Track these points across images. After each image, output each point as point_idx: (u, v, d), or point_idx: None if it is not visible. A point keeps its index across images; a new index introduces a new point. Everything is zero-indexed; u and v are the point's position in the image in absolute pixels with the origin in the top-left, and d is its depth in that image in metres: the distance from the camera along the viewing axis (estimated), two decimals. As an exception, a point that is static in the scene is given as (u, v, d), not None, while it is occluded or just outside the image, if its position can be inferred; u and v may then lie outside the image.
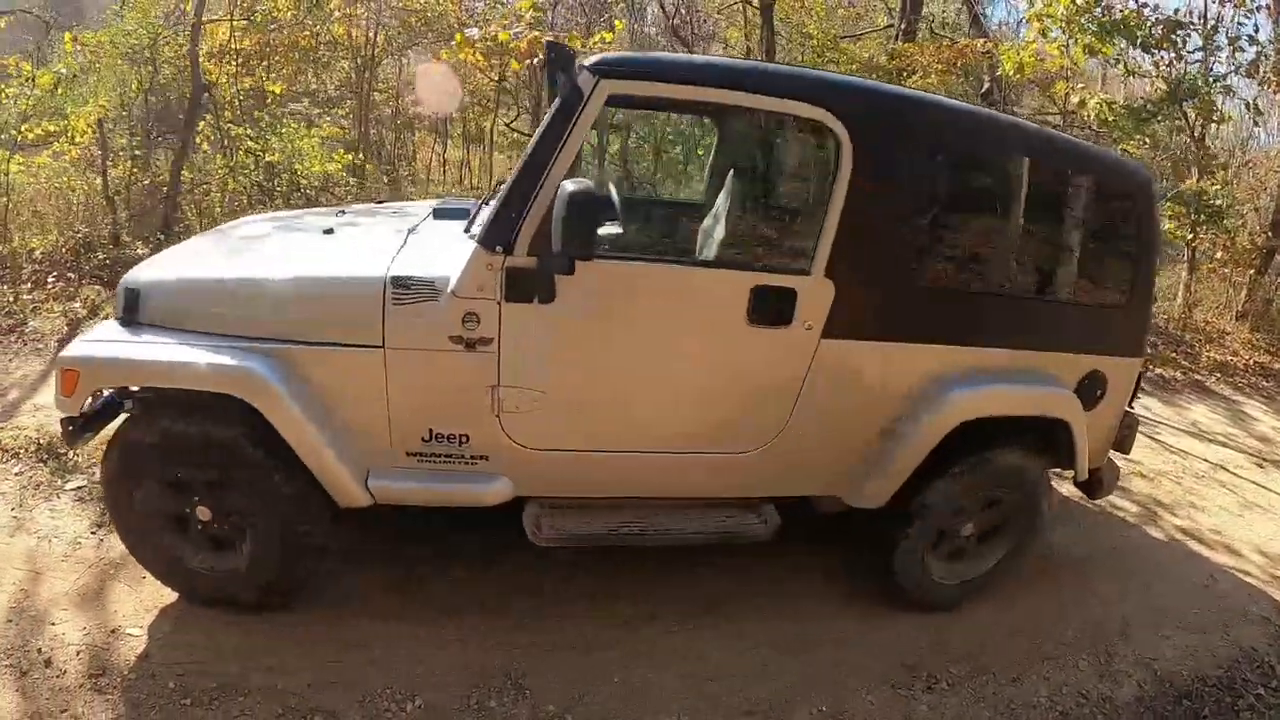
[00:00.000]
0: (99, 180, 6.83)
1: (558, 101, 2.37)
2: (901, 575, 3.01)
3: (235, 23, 8.17)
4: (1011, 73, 8.35)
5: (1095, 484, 3.38)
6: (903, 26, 10.81)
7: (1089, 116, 8.16)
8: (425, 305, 2.26)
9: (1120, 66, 8.55)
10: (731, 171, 3.19)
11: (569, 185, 2.10)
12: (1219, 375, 6.99)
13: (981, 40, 9.31)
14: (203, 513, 2.44)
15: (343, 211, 3.54)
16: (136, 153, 7.40)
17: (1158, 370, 6.78)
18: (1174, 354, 7.41)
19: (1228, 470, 5.08)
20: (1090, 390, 3.11)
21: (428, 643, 2.53)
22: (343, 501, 2.39)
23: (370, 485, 2.39)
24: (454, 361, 2.31)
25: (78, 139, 6.72)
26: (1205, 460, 5.17)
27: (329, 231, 2.86)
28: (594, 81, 2.29)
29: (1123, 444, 3.40)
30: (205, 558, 2.50)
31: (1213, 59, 8.22)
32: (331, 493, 2.37)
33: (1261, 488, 4.88)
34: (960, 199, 2.93)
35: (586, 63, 2.34)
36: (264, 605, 2.55)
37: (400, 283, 2.27)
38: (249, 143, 7.68)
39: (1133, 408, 3.45)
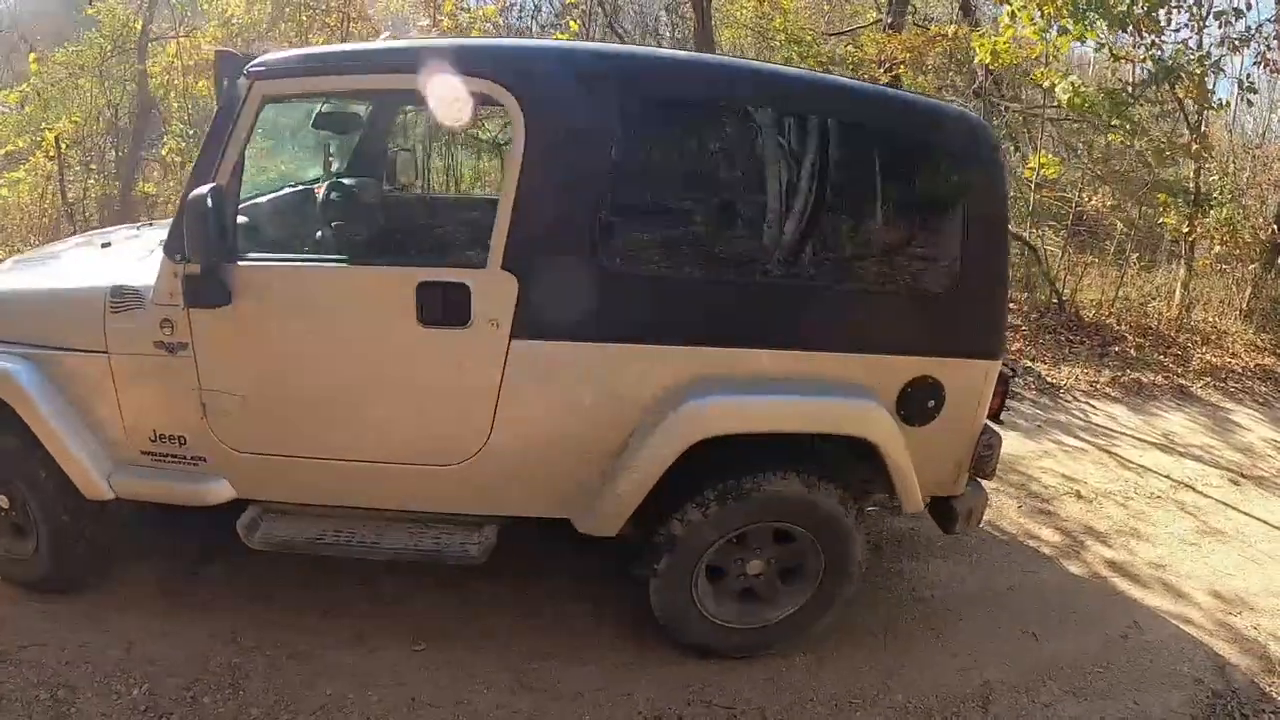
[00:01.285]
0: (58, 195, 6.84)
1: (219, 108, 2.33)
2: (663, 615, 2.47)
3: (181, 40, 8.00)
4: (988, 61, 7.58)
5: (949, 515, 2.64)
6: (888, 21, 10.13)
7: (1060, 102, 7.32)
8: (136, 313, 2.28)
9: (1104, 50, 7.72)
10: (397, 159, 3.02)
11: (196, 191, 2.05)
12: (1210, 380, 6.02)
13: (955, 27, 8.55)
14: (2, 500, 2.52)
15: (150, 223, 3.48)
16: (92, 167, 7.39)
17: (1133, 375, 5.88)
18: (1161, 357, 6.47)
19: (1194, 489, 4.19)
20: (918, 401, 2.41)
21: (173, 636, 2.50)
22: (88, 494, 2.39)
23: (111, 480, 2.39)
24: (161, 365, 2.29)
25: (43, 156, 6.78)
26: (1168, 478, 4.29)
27: (107, 245, 2.83)
28: (248, 85, 2.21)
29: (981, 466, 2.61)
30: (6, 542, 2.58)
31: (1202, 35, 7.30)
32: (77, 485, 2.38)
33: (1230, 509, 3.99)
34: (676, 167, 2.40)
35: (247, 68, 2.25)
36: (50, 589, 2.61)
37: (117, 292, 2.30)
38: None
39: (1000, 421, 2.70)
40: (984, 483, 2.73)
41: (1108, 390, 5.62)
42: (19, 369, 2.30)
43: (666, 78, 2.33)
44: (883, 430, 2.32)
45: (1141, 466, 4.39)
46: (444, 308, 2.18)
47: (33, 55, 7.19)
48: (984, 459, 2.58)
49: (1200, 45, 7.34)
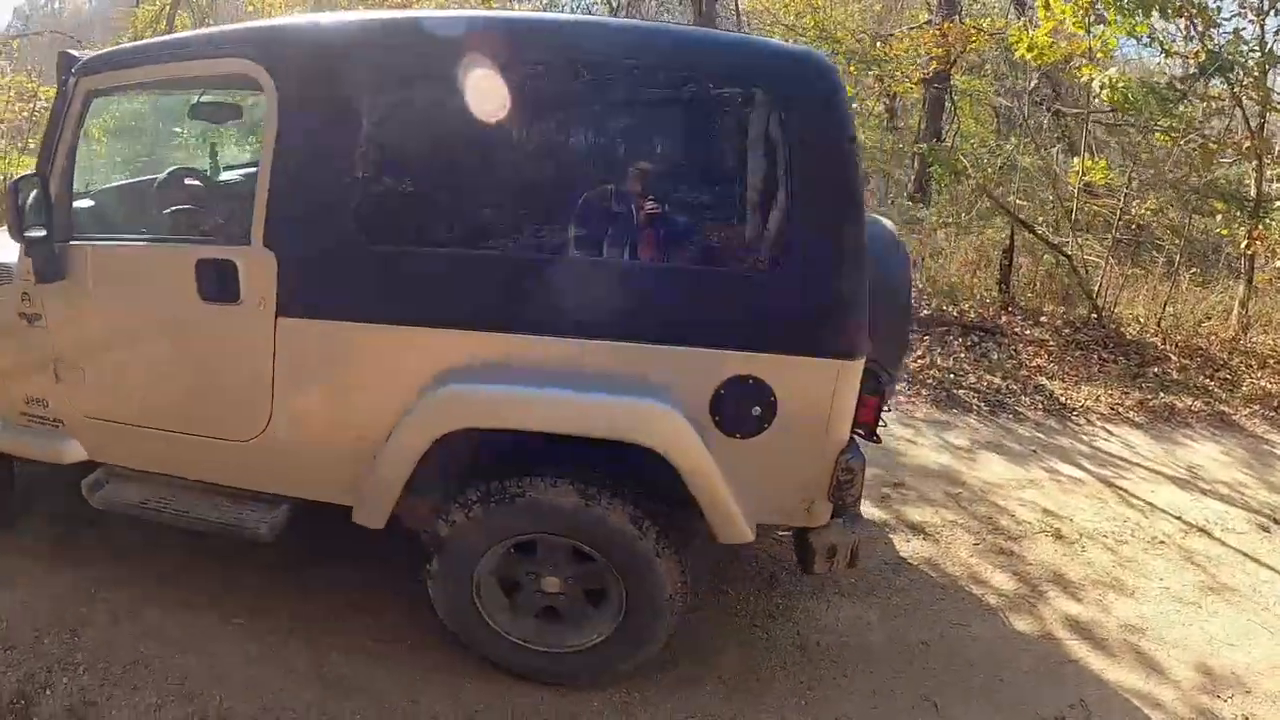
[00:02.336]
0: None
1: (55, 103, 2.37)
2: (447, 620, 2.26)
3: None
4: (1027, 57, 6.84)
5: (806, 552, 2.11)
6: (938, 20, 9.46)
7: (1101, 98, 6.50)
8: (5, 287, 2.40)
9: (1154, 44, 6.84)
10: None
11: (16, 178, 2.21)
12: (1259, 408, 5.07)
13: (990, 20, 7.81)
14: None
15: None
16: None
17: (1166, 399, 5.02)
18: (1206, 380, 5.55)
19: (1210, 534, 3.41)
20: (737, 406, 1.93)
21: (45, 586, 2.57)
22: None
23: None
24: (24, 334, 2.40)
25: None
26: (1179, 519, 3.52)
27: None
28: (75, 82, 2.28)
29: (840, 495, 2.04)
30: None
31: (1263, 26, 6.33)
32: None
33: (1251, 561, 3.19)
34: (429, 140, 2.16)
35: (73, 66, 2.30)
36: None
37: None
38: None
39: (876, 439, 2.13)
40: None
41: (1131, 415, 4.80)
42: None
43: (414, 43, 2.06)
44: (669, 437, 1.88)
45: (1149, 504, 3.63)
46: (218, 284, 2.14)
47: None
48: (843, 485, 2.01)
49: (1261, 38, 6.41)
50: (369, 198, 2.11)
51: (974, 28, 7.47)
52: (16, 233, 2.17)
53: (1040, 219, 8.52)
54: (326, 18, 2.18)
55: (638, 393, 1.93)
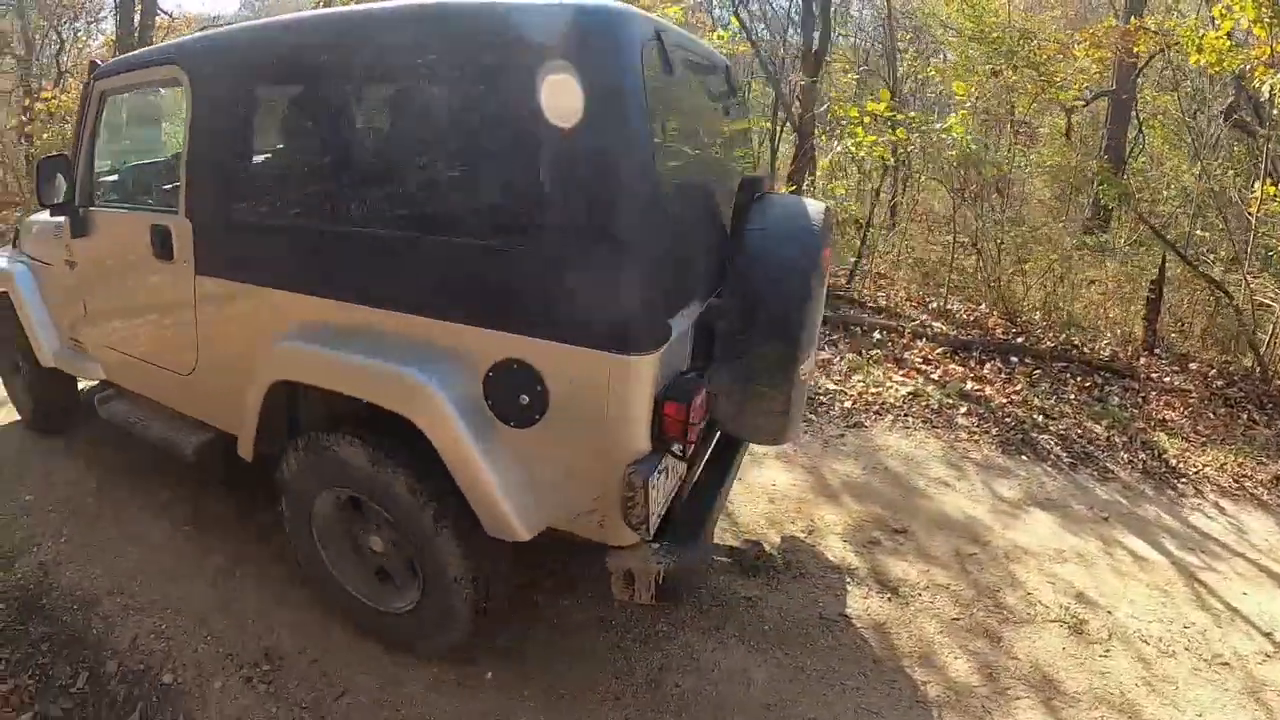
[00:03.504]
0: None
1: (80, 100, 2.95)
2: (302, 564, 2.39)
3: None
4: (1200, 62, 5.57)
5: (620, 576, 1.85)
6: (1124, 23, 8.09)
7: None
8: (60, 240, 2.92)
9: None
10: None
11: (41, 159, 2.79)
12: None
13: (1162, 19, 6.44)
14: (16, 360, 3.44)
15: None
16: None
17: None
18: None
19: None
20: (505, 391, 1.71)
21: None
22: (41, 362, 3.14)
23: (53, 354, 3.10)
24: (69, 277, 2.96)
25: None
26: (1267, 636, 2.57)
27: None
28: (92, 84, 2.81)
29: (628, 513, 1.66)
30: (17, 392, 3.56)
31: None
32: (36, 355, 3.14)
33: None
34: (262, 124, 2.36)
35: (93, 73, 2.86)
36: (37, 427, 3.53)
37: (59, 226, 2.90)
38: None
39: (683, 457, 1.75)
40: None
41: (1259, 491, 3.68)
42: (21, 272, 3.19)
43: (265, 45, 2.28)
44: (425, 411, 1.80)
45: (1232, 610, 2.71)
46: (161, 245, 2.44)
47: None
48: (630, 501, 1.66)
49: None
50: (240, 177, 2.30)
51: (1140, 27, 6.16)
52: (39, 200, 2.78)
53: (1221, 253, 6.97)
54: (228, 28, 2.44)
55: (413, 364, 1.83)
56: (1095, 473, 3.77)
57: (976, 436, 3.97)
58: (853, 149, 5.26)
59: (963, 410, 4.24)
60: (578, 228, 1.66)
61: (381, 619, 2.23)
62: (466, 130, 1.83)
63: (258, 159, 2.33)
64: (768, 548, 2.88)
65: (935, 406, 4.28)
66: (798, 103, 6.31)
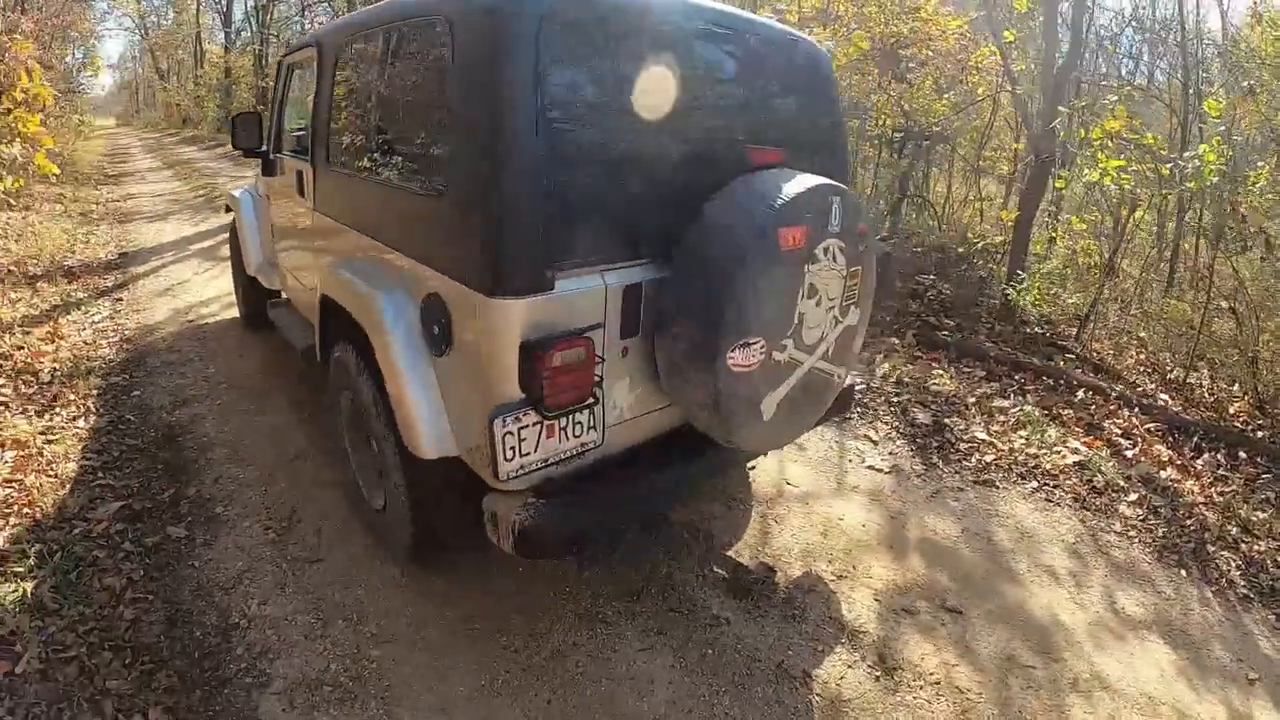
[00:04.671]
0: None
1: (275, 73, 3.74)
2: (345, 437, 2.74)
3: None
4: None
5: (489, 518, 1.89)
6: None
7: None
8: (264, 179, 3.77)
9: None
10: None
11: (237, 113, 3.58)
12: None
13: None
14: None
15: None
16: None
17: None
18: None
19: None
20: (430, 323, 1.96)
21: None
22: (248, 272, 4.01)
23: (257, 269, 3.95)
24: (265, 207, 3.89)
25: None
26: None
27: None
28: (282, 60, 3.61)
29: (495, 464, 1.72)
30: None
31: None
32: (245, 265, 4.06)
33: None
34: (336, 94, 2.75)
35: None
36: (248, 325, 4.62)
37: (265, 168, 3.72)
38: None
39: (544, 414, 1.74)
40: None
41: None
42: (245, 198, 4.11)
43: (339, 31, 2.79)
44: (374, 325, 2.08)
45: None
46: (300, 186, 3.07)
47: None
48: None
49: None
50: (324, 134, 2.75)
51: None
52: (232, 144, 3.50)
53: None
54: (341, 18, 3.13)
55: (380, 289, 2.12)
56: (1276, 616, 2.73)
57: (1134, 532, 3.10)
58: (1095, 176, 4.29)
59: (1133, 497, 3.32)
60: (468, 183, 1.76)
61: (371, 512, 2.57)
62: (415, 99, 2.15)
63: (334, 122, 2.74)
64: (779, 577, 2.68)
65: (1100, 485, 3.43)
66: (1038, 122, 5.28)
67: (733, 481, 3.29)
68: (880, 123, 6.57)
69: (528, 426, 1.79)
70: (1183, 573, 2.88)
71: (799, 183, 1.89)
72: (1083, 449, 3.72)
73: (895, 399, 4.28)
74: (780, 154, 2.09)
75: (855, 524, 3.05)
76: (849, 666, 2.26)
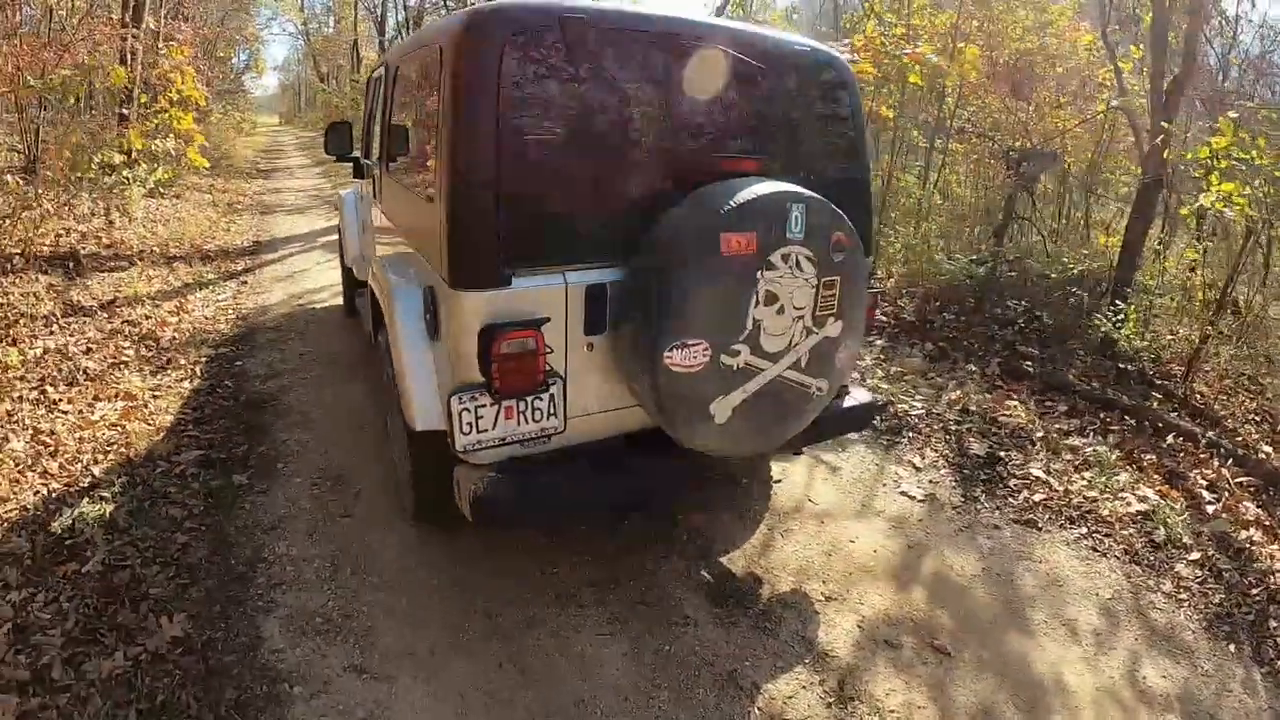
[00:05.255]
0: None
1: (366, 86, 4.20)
2: (391, 440, 3.18)
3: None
4: None
5: (456, 486, 2.13)
6: None
7: None
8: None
9: None
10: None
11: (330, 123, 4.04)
12: None
13: None
14: None
15: None
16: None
17: None
18: None
19: None
20: (426, 310, 2.24)
21: None
22: (346, 262, 4.60)
23: (350, 259, 4.45)
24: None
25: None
26: None
27: None
28: (370, 76, 4.03)
29: (453, 437, 1.98)
30: None
31: None
32: (344, 255, 4.67)
33: None
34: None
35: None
36: None
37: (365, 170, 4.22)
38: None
39: (495, 397, 1.96)
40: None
41: None
42: (349, 196, 4.61)
43: (392, 53, 3.38)
44: (389, 309, 2.34)
45: None
46: (375, 188, 3.48)
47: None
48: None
49: None
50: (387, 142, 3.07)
51: None
52: (325, 149, 3.89)
53: None
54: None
55: (400, 278, 2.44)
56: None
57: (1185, 595, 2.77)
58: (1206, 201, 3.86)
59: (1194, 556, 2.96)
60: (445, 189, 1.97)
61: (398, 480, 2.85)
62: (426, 114, 2.34)
63: (390, 133, 3.02)
64: (764, 590, 2.68)
65: (1159, 540, 3.08)
66: (1148, 140, 4.78)
67: (752, 493, 3.31)
68: (992, 141, 6.25)
69: (485, 406, 1.97)
70: (1231, 647, 2.54)
71: (752, 190, 1.93)
72: (1153, 498, 3.37)
73: (954, 427, 4.08)
74: (757, 163, 2.15)
75: (866, 549, 2.97)
76: (803, 687, 2.22)
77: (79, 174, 6.01)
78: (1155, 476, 3.61)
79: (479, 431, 1.99)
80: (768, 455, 3.11)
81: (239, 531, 2.75)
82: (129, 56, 7.39)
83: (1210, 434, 3.81)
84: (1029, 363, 4.88)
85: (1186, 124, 4.97)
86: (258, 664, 2.15)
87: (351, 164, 4.07)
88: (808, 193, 2.03)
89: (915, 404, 4.32)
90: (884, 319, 5.82)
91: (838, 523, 3.13)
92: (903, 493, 3.43)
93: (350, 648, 2.23)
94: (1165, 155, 4.48)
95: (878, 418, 4.17)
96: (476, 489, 2.00)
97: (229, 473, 3.13)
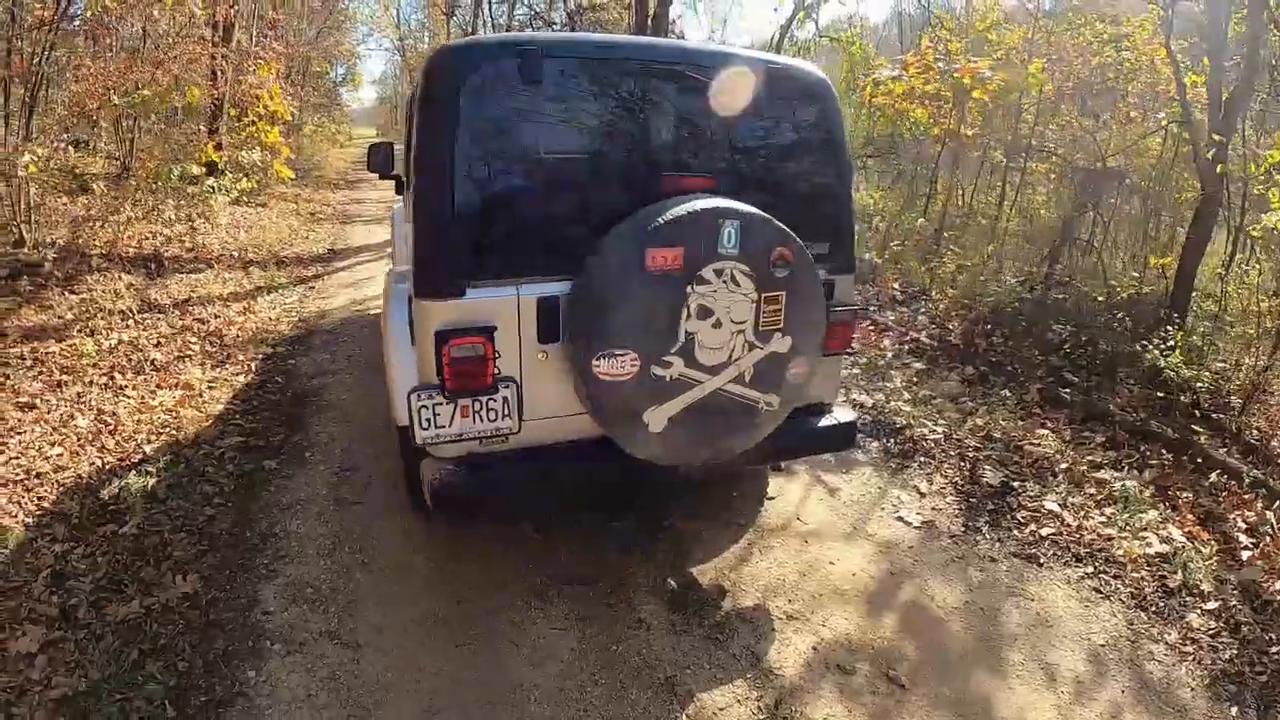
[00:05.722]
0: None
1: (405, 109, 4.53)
2: None
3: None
4: None
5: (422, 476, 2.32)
6: None
7: None
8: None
9: None
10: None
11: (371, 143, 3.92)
12: None
13: None
14: None
15: None
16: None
17: None
18: None
19: None
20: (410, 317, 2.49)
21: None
22: (395, 265, 4.73)
23: (396, 264, 4.47)
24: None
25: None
26: None
27: None
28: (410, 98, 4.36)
29: (413, 430, 2.25)
30: None
31: None
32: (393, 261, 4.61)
33: None
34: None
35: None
36: None
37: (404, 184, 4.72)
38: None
39: (446, 396, 2.16)
40: None
41: None
42: (397, 209, 4.60)
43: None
44: (385, 313, 2.81)
45: None
46: (404, 198, 3.77)
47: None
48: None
49: None
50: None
51: None
52: (368, 168, 3.85)
53: None
54: None
55: (396, 289, 2.76)
56: None
57: (1191, 648, 2.57)
58: (1270, 222, 3.60)
59: (1211, 606, 2.75)
60: (413, 208, 2.19)
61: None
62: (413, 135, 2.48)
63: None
64: (726, 602, 2.73)
65: (1174, 585, 2.90)
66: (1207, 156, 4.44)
67: (742, 507, 3.36)
68: (1069, 160, 6.01)
69: (441, 404, 2.18)
70: (1233, 710, 2.33)
71: (682, 207, 2.04)
72: (1179, 539, 3.19)
73: (971, 453, 3.98)
74: (710, 180, 2.26)
75: (844, 571, 2.96)
76: (738, 701, 2.26)
77: (161, 183, 6.77)
78: (1189, 516, 3.39)
79: (436, 427, 2.19)
80: (735, 469, 3.11)
81: (260, 509, 3.09)
82: (217, 74, 8.22)
83: (1257, 473, 3.54)
84: (1068, 390, 4.67)
85: (1257, 137, 4.60)
86: (249, 622, 2.44)
87: (393, 181, 4.43)
88: (745, 208, 2.11)
89: (936, 428, 4.22)
90: (929, 341, 5.70)
91: (822, 543, 3.14)
92: (899, 518, 3.38)
93: (330, 616, 2.48)
94: (1219, 170, 4.19)
95: (892, 440, 4.12)
96: (435, 479, 2.20)
97: (262, 458, 3.50)
